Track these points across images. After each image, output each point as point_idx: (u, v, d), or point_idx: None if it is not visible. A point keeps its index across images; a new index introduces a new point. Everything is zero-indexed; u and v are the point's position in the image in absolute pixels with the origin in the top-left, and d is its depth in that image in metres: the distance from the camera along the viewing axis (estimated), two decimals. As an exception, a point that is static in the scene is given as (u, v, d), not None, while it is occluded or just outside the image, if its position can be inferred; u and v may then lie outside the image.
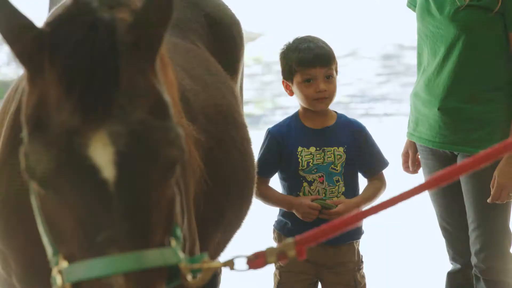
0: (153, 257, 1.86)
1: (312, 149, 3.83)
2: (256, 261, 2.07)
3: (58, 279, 1.91)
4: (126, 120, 1.88)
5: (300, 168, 3.82)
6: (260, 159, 3.84)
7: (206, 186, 2.89)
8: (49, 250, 1.99)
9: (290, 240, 2.07)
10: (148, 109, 1.91)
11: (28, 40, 1.93)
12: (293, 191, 3.85)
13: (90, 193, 1.85)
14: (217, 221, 3.15)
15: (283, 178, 3.92)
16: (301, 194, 3.82)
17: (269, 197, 3.88)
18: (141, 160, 1.87)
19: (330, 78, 3.79)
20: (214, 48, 3.63)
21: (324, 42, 3.93)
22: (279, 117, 13.88)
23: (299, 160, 3.82)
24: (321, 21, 21.69)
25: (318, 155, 3.82)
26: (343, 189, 3.83)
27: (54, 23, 1.97)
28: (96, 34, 1.91)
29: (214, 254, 3.25)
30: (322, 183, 3.81)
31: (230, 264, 2.08)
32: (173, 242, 1.95)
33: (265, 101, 14.91)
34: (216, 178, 3.00)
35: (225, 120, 3.24)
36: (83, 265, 1.85)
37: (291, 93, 3.92)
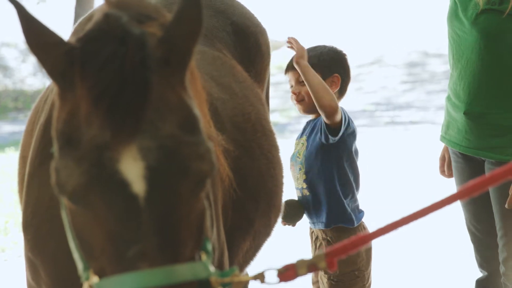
0: (184, 271, 1.85)
1: (295, 140, 4.13)
2: (287, 273, 2.06)
3: None
4: (156, 135, 1.87)
5: None
6: None
7: (234, 194, 2.88)
8: (79, 265, 1.98)
9: (320, 252, 2.07)
10: (178, 124, 1.91)
11: (59, 56, 1.93)
12: None
13: (121, 208, 1.85)
14: (245, 229, 3.13)
15: None
16: None
17: None
18: (171, 174, 1.87)
19: (303, 82, 3.92)
20: (240, 56, 3.63)
21: (320, 51, 4.08)
22: (304, 126, 13.88)
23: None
24: (346, 30, 21.66)
25: (295, 145, 4.09)
26: (304, 176, 3.97)
27: (85, 38, 1.97)
28: (126, 49, 1.90)
29: (243, 262, 3.23)
30: (294, 171, 4.05)
31: (260, 277, 2.07)
32: (204, 256, 1.95)
33: (290, 109, 14.89)
34: (245, 186, 2.99)
35: (253, 128, 3.23)
36: (114, 280, 1.85)
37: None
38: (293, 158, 4.04)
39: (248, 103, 3.30)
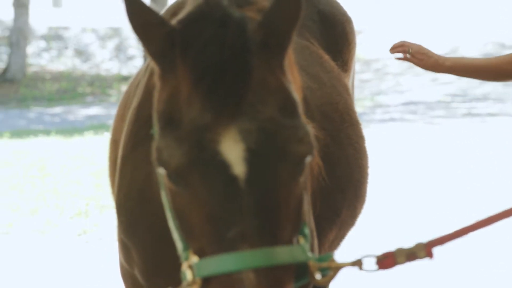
0: (283, 254, 1.86)
1: None
2: (385, 261, 2.04)
3: (188, 274, 1.92)
4: (256, 117, 1.89)
5: None
6: None
7: (323, 183, 2.88)
8: (179, 245, 2.00)
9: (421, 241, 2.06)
10: (277, 107, 1.92)
11: (160, 37, 1.96)
12: None
13: (221, 189, 1.86)
14: (332, 219, 3.13)
15: None
16: None
17: None
18: (271, 157, 1.88)
19: None
20: (327, 46, 3.62)
21: None
22: (379, 116, 13.80)
23: None
24: (421, 19, 21.43)
25: None
26: None
27: (186, 20, 2.00)
28: (227, 31, 1.93)
29: (329, 251, 3.24)
30: None
31: (358, 263, 2.06)
32: (301, 240, 1.95)
33: (365, 99, 14.82)
34: (333, 176, 2.99)
35: (341, 118, 3.23)
36: (214, 260, 1.86)
37: None
38: None
39: (336, 92, 3.30)
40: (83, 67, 23.06)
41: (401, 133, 11.32)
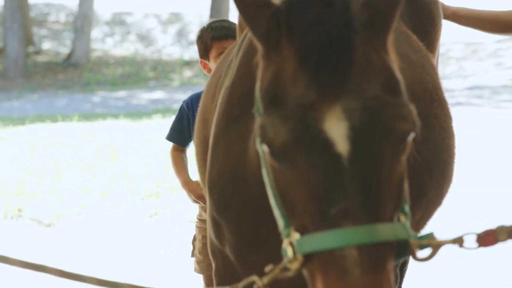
0: (385, 231, 1.86)
1: None
2: (486, 238, 2.04)
3: (289, 251, 1.94)
4: (360, 96, 1.90)
5: None
6: (171, 127, 4.14)
7: (411, 162, 2.87)
8: (280, 222, 2.02)
9: None
10: (381, 86, 1.93)
11: (266, 18, 1.98)
12: None
13: (324, 166, 1.87)
14: (419, 198, 3.12)
15: None
16: None
17: (173, 164, 4.08)
18: (374, 135, 1.89)
19: None
20: (413, 26, 3.60)
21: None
22: (445, 100, 13.69)
23: None
24: (487, 4, 21.14)
25: None
26: None
27: (290, 1, 2.01)
28: (332, 11, 1.94)
29: (415, 231, 3.23)
30: None
31: (459, 241, 2.05)
32: (402, 218, 1.95)
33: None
34: (421, 155, 2.97)
35: (430, 98, 3.21)
36: (316, 237, 1.87)
37: (209, 71, 4.06)
38: None
39: (425, 72, 3.29)
40: (145, 52, 23.24)
41: (469, 117, 11.21)
